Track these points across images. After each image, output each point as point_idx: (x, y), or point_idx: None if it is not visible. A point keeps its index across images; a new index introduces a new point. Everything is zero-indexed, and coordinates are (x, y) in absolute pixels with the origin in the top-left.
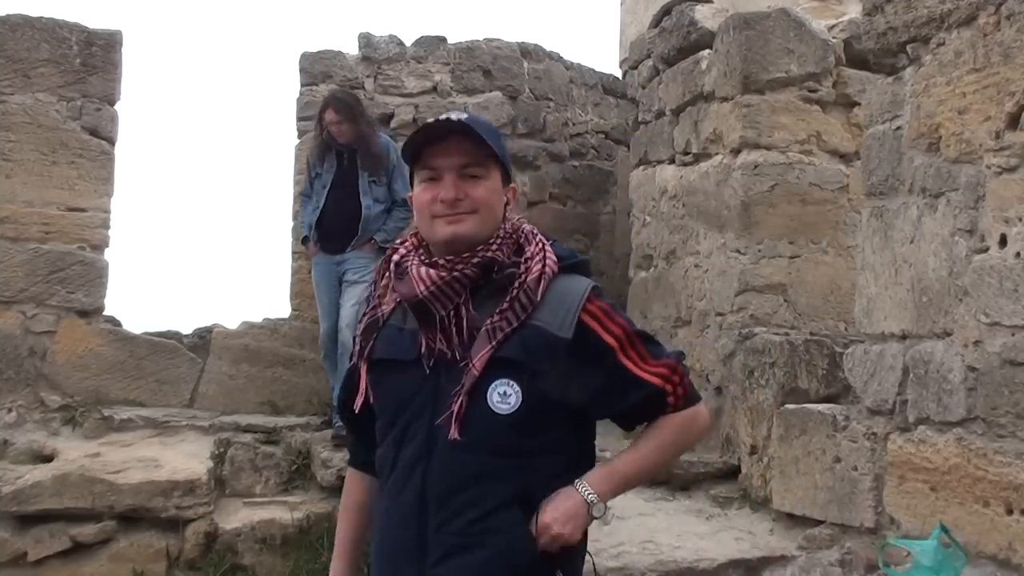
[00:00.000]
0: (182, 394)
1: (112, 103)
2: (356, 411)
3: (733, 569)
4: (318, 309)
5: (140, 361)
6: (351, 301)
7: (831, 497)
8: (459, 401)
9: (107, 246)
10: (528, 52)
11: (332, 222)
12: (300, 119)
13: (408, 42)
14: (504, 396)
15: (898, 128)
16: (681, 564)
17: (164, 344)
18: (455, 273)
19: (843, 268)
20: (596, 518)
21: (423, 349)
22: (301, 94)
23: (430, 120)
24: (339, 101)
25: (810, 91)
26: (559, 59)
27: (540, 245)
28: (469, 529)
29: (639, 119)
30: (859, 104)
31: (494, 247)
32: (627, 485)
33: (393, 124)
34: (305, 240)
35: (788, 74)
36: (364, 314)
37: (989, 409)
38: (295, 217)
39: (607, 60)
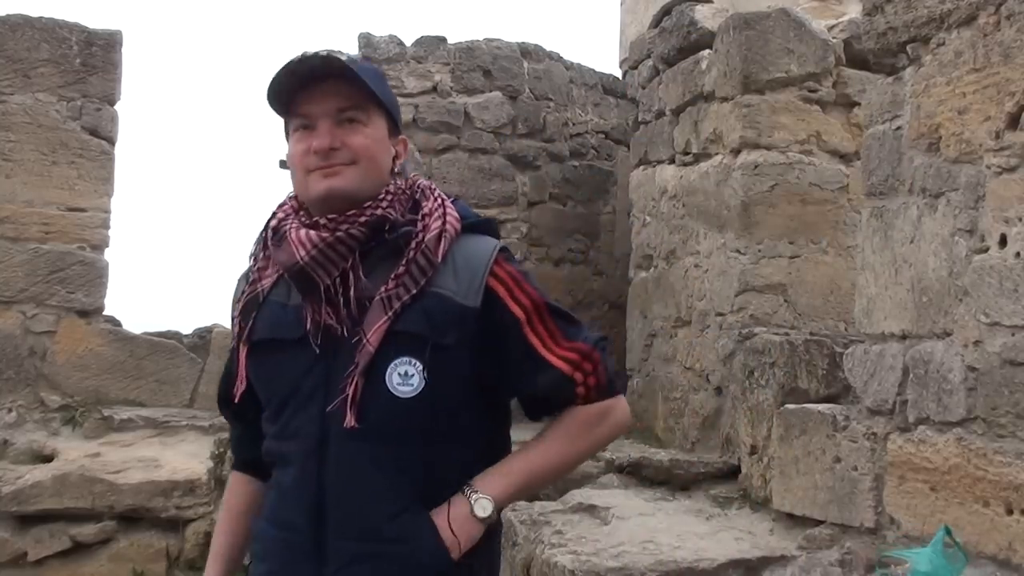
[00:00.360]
0: (182, 394)
1: (112, 103)
2: (237, 401)
3: (733, 569)
4: None
5: (140, 361)
6: None
7: (831, 497)
8: (354, 383)
9: (107, 246)
10: (528, 52)
11: None
12: None
13: (408, 42)
14: (405, 377)
15: (898, 128)
16: (681, 564)
17: (164, 344)
18: (339, 234)
19: (843, 268)
20: (482, 519)
21: (309, 325)
22: None
23: (294, 58)
24: None
25: (810, 91)
26: (559, 59)
27: (439, 201)
28: (372, 535)
29: (639, 119)
30: (859, 104)
31: (384, 204)
32: (526, 488)
33: None
34: None
35: (788, 74)
36: (242, 291)
37: (989, 409)
38: None
39: (607, 60)
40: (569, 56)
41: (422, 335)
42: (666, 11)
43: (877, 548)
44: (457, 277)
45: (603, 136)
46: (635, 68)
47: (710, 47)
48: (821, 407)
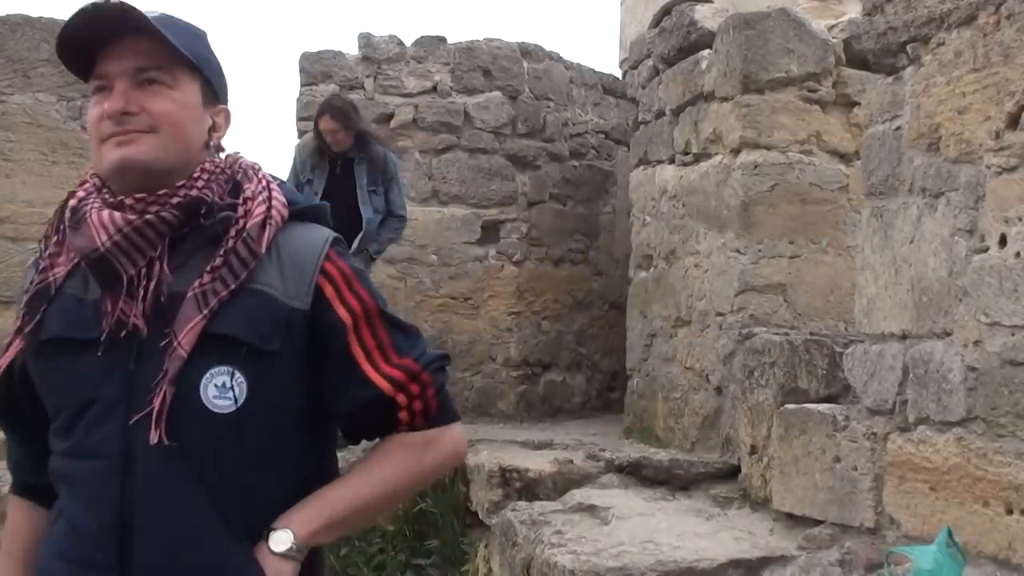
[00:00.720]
0: None
1: None
2: (8, 410)
3: (733, 569)
4: None
5: None
6: None
7: (831, 497)
8: (162, 393)
9: None
10: (528, 52)
11: None
12: (300, 119)
13: (408, 42)
14: (223, 388)
15: (898, 128)
16: (681, 564)
17: None
18: (148, 217)
19: (843, 268)
20: (280, 554)
21: (110, 324)
22: (301, 94)
23: (86, 5)
24: (336, 108)
25: (810, 91)
26: (559, 59)
27: (264, 183)
28: (185, 573)
29: (639, 119)
30: (859, 104)
31: (200, 183)
32: (336, 524)
33: (393, 124)
34: None
35: (788, 74)
36: (31, 281)
37: (989, 409)
38: None
39: (607, 60)
40: (569, 56)
41: (243, 339)
42: (666, 11)
43: (879, 548)
44: (283, 273)
45: (603, 136)
46: (635, 68)
47: (710, 47)
48: (821, 407)
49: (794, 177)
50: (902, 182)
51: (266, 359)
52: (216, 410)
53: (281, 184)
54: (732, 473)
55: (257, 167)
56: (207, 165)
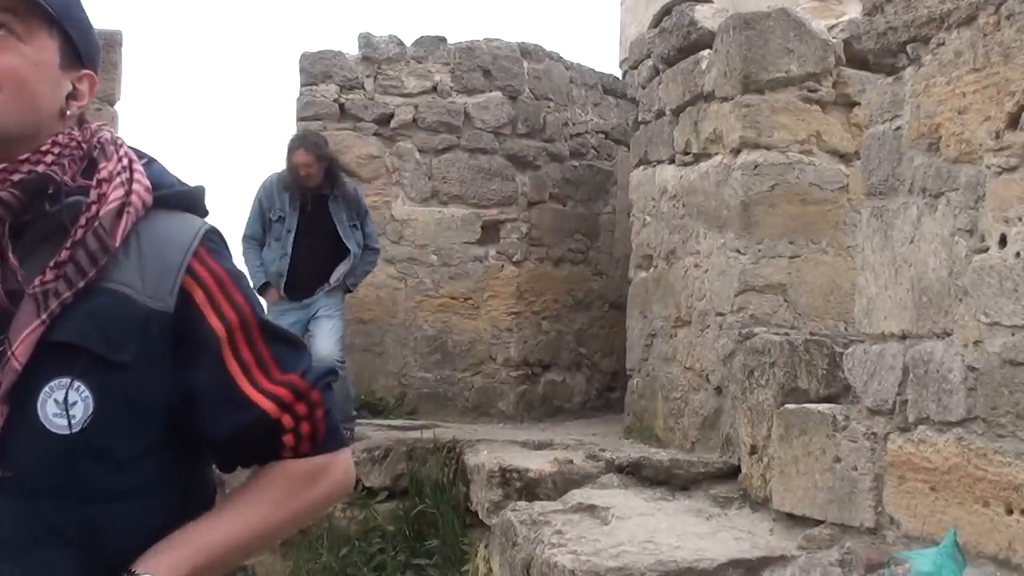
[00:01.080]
0: None
1: (112, 103)
2: None
3: (733, 569)
4: None
5: None
6: (327, 332)
7: (831, 497)
8: None
9: None
10: (528, 52)
11: (302, 270)
12: (300, 119)
13: (408, 42)
14: (64, 406)
15: (898, 128)
16: (681, 564)
17: None
18: None
19: (843, 268)
20: None
21: None
22: (301, 94)
23: None
24: (310, 142)
25: (810, 91)
26: (559, 59)
27: (124, 162)
28: None
29: (639, 119)
30: (859, 104)
31: (49, 159)
32: (209, 567)
33: (393, 124)
34: (265, 286)
35: (788, 74)
36: None
37: (989, 409)
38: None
39: (607, 60)
40: (569, 56)
41: (89, 348)
42: (666, 11)
43: (879, 548)
44: (143, 270)
45: (603, 136)
46: (635, 68)
47: (710, 47)
48: (821, 407)
49: (794, 177)
50: (902, 182)
51: (116, 370)
52: (55, 430)
53: (150, 163)
54: (732, 473)
55: (119, 141)
56: (60, 138)
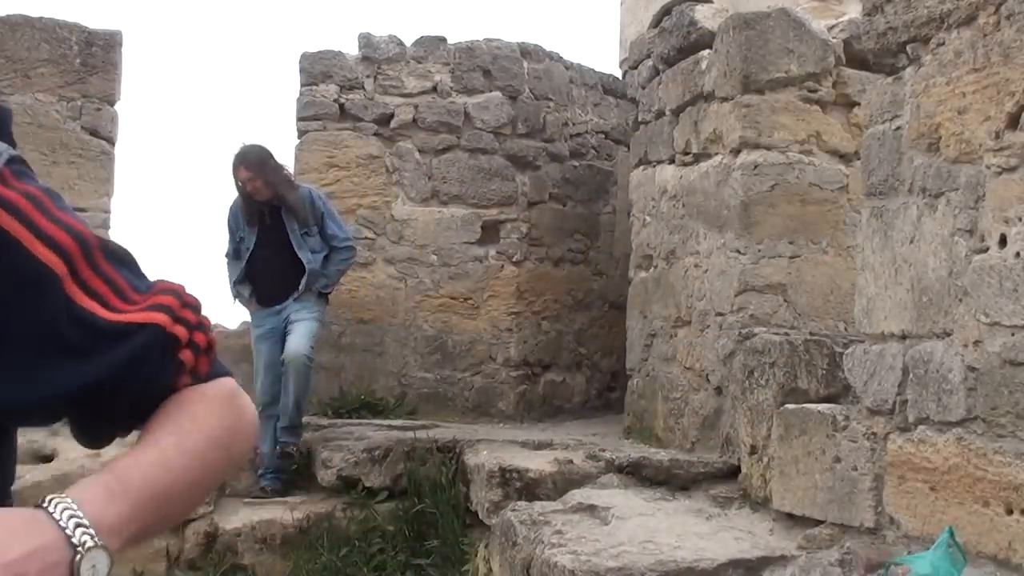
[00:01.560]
0: None
1: (112, 103)
2: None
3: (733, 569)
4: (256, 363)
5: None
6: (298, 330)
7: (831, 497)
8: None
9: None
10: (528, 52)
11: (264, 281)
12: (300, 119)
13: (408, 42)
14: None
15: (898, 128)
16: (681, 564)
17: None
18: None
19: (843, 268)
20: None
21: None
22: (301, 94)
23: None
24: (248, 159)
25: (810, 91)
26: (559, 59)
27: None
28: None
29: (639, 119)
30: (859, 104)
31: None
32: (157, 508)
33: (393, 124)
34: (240, 298)
35: (788, 74)
36: None
37: (989, 409)
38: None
39: (607, 60)
40: (569, 56)
41: None
42: (666, 11)
43: (879, 548)
44: None
45: (603, 136)
46: (635, 68)
47: (710, 47)
48: (821, 407)
49: (794, 177)
50: (902, 182)
51: None
52: None
53: None
54: (732, 473)
55: None
56: None
